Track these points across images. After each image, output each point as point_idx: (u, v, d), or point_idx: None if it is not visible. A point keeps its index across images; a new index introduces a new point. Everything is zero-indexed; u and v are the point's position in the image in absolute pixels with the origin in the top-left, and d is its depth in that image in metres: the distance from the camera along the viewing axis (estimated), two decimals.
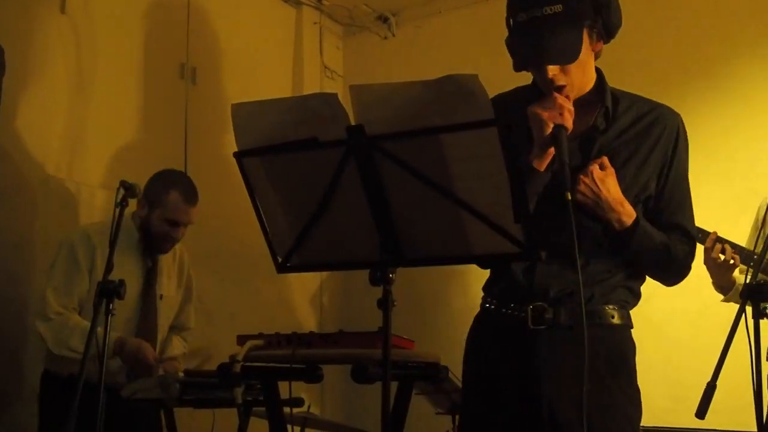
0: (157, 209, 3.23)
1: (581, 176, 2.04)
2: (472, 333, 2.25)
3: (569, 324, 2.05)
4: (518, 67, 2.07)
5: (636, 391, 2.15)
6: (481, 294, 2.28)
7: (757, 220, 3.29)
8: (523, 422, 2.07)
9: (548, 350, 2.06)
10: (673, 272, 2.22)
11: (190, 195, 3.31)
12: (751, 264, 2.92)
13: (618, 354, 2.13)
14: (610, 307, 2.12)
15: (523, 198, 1.81)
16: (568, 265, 2.00)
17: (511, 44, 2.09)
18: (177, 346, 3.49)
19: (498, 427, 2.10)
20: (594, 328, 2.03)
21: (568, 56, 2.02)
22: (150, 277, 3.32)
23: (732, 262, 3.14)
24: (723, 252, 3.14)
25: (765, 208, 3.13)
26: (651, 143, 2.14)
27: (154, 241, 3.28)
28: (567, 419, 2.02)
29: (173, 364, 3.26)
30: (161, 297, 3.37)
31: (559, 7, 1.99)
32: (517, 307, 2.11)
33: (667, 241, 2.14)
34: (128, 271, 3.13)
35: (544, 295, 2.08)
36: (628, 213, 2.07)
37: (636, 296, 2.22)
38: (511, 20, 2.09)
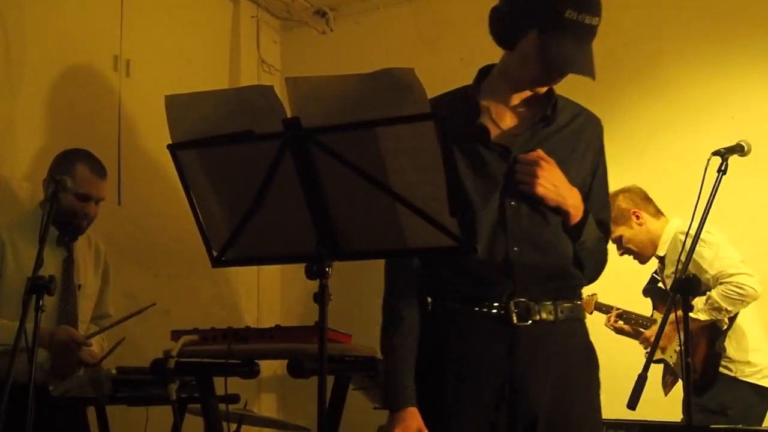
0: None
1: (537, 169, 2.02)
2: (432, 336, 2.11)
3: (551, 319, 2.05)
4: (545, 61, 2.02)
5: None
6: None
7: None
8: (505, 421, 2.02)
9: (531, 347, 2.02)
10: (600, 266, 2.24)
11: (98, 168, 3.24)
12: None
13: (588, 348, 2.16)
14: (578, 302, 2.14)
15: (459, 192, 1.82)
16: (540, 259, 2.04)
17: (547, 33, 2.00)
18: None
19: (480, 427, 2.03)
20: (571, 323, 2.09)
21: (594, 73, 2.02)
22: (68, 267, 3.25)
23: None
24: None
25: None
26: (585, 142, 2.18)
27: (66, 222, 3.18)
28: (551, 416, 2.01)
29: (91, 352, 3.16)
30: (80, 287, 3.29)
31: (597, 21, 2.01)
32: (492, 304, 2.04)
33: (601, 234, 2.18)
34: (44, 262, 3.03)
35: (524, 290, 2.04)
36: (581, 201, 2.09)
37: None
38: (556, 11, 1.99)
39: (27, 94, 3.83)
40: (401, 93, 1.73)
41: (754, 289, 3.49)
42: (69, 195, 3.11)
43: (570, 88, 2.18)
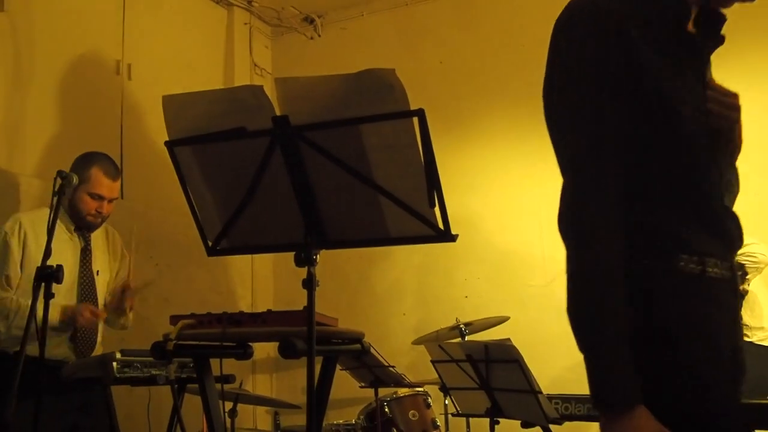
0: (81, 185, 3.34)
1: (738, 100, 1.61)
2: (683, 306, 1.44)
3: None
4: None
5: None
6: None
7: None
8: None
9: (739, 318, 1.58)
10: None
11: (111, 170, 3.45)
12: None
13: None
14: None
15: (438, 184, 1.93)
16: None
17: None
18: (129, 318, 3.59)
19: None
20: None
21: None
22: (85, 255, 3.44)
23: None
24: None
25: None
26: None
27: (82, 218, 3.39)
28: None
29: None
30: (98, 273, 3.49)
31: None
32: (727, 265, 1.50)
33: None
34: (63, 251, 3.24)
35: (739, 249, 1.57)
36: None
37: None
38: None
39: (36, 97, 3.97)
40: (383, 92, 1.86)
41: (764, 255, 3.70)
42: (84, 194, 3.35)
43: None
